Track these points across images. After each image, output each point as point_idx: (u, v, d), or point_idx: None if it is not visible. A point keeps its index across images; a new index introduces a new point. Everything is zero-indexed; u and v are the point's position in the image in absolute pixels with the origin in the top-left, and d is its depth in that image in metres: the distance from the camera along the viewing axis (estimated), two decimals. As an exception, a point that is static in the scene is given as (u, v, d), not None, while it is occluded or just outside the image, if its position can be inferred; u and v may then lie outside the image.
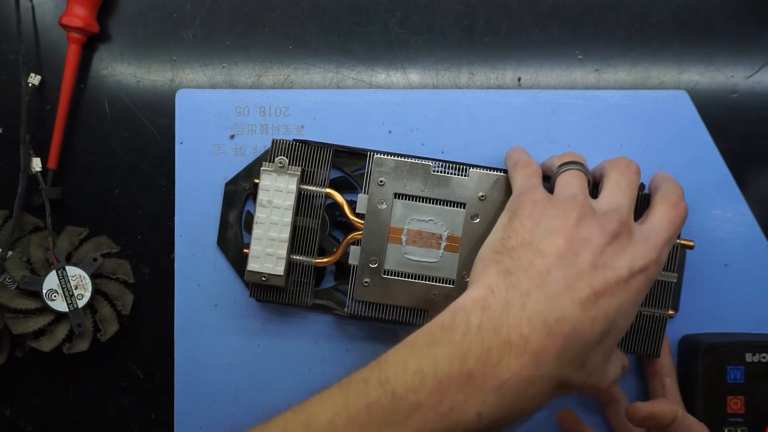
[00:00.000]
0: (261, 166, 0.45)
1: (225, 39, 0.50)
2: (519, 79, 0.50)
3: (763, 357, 0.46)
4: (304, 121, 0.49)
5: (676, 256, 0.45)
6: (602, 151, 0.48)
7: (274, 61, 0.50)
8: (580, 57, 0.49)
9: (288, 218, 0.45)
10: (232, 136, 0.49)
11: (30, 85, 0.48)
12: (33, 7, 0.49)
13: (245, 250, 0.46)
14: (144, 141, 0.49)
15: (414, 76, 0.49)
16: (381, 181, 0.45)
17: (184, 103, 0.49)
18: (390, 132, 0.49)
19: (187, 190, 0.49)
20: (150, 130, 0.50)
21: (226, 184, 0.48)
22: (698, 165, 0.48)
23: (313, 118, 0.49)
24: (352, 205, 0.46)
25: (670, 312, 0.46)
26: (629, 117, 0.48)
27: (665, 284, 0.45)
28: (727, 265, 0.48)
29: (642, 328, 0.46)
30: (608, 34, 0.49)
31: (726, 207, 0.48)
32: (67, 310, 0.47)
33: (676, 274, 0.45)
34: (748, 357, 0.46)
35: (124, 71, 0.50)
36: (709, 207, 0.48)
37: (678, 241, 0.45)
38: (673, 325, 0.48)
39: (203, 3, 0.49)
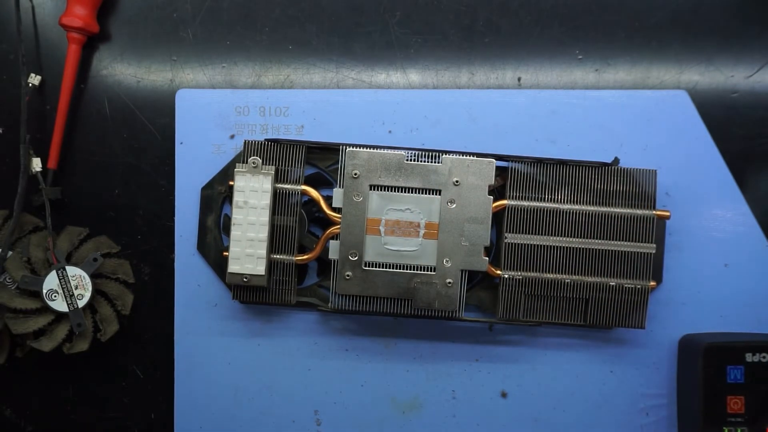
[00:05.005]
0: (234, 168, 0.46)
1: (225, 39, 0.50)
2: (519, 79, 0.50)
3: (763, 357, 0.46)
4: (304, 121, 0.49)
5: (653, 227, 0.46)
6: (602, 151, 0.48)
7: (274, 61, 0.50)
8: (580, 57, 0.49)
9: (265, 218, 0.45)
10: (232, 136, 0.49)
11: (30, 85, 0.48)
12: (33, 7, 0.49)
13: (225, 253, 0.46)
14: (144, 141, 0.49)
15: (414, 76, 0.49)
16: (355, 174, 0.45)
17: (184, 103, 0.49)
18: (390, 132, 0.49)
19: (187, 190, 0.49)
20: (150, 130, 0.50)
21: (202, 189, 0.48)
22: (698, 165, 0.48)
23: (313, 118, 0.49)
24: (329, 200, 0.46)
25: (652, 283, 0.46)
26: (629, 117, 0.48)
27: (645, 256, 0.46)
28: (727, 265, 0.48)
29: (625, 301, 0.46)
30: (608, 34, 0.49)
31: (726, 207, 0.48)
32: (67, 310, 0.47)
33: (654, 245, 0.46)
34: (748, 357, 0.46)
35: (124, 71, 0.50)
36: (709, 207, 0.48)
37: (654, 212, 0.46)
38: (674, 325, 0.49)
39: (203, 3, 0.49)
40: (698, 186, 0.48)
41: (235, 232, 0.45)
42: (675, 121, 0.48)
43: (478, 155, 0.46)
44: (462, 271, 0.46)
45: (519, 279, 0.46)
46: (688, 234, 0.48)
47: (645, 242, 0.46)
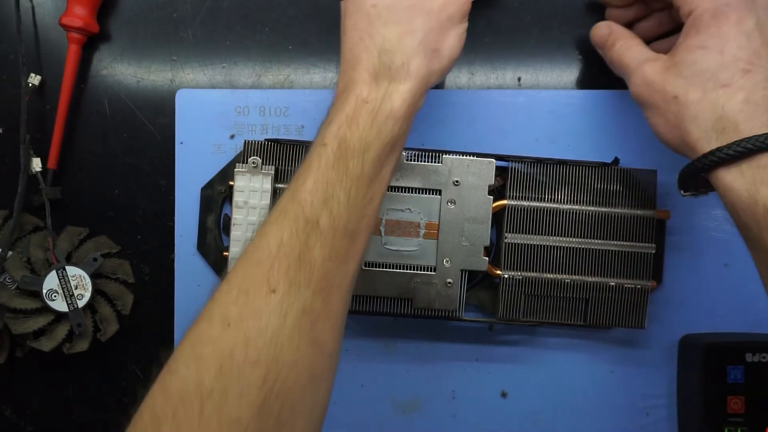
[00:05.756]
0: (234, 168, 0.46)
1: (225, 39, 0.50)
2: (519, 79, 0.50)
3: (763, 357, 0.46)
4: (304, 121, 0.49)
5: (653, 227, 0.46)
6: (602, 151, 0.48)
7: (274, 61, 0.50)
8: (579, 57, 0.49)
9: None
10: (232, 136, 0.49)
11: (30, 85, 0.48)
12: (33, 7, 0.49)
13: (225, 253, 0.46)
14: (144, 141, 0.49)
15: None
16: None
17: (184, 103, 0.49)
18: (390, 132, 0.49)
19: (187, 190, 0.49)
20: (150, 130, 0.50)
21: (202, 189, 0.48)
22: (698, 165, 0.48)
23: (313, 118, 0.49)
24: (329, 200, 0.46)
25: (652, 283, 0.46)
26: (629, 117, 0.48)
27: (644, 255, 0.46)
28: (727, 265, 0.48)
29: (625, 301, 0.46)
30: (608, 34, 0.49)
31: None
32: (67, 310, 0.47)
33: (654, 245, 0.46)
34: (748, 357, 0.46)
35: (124, 71, 0.50)
36: (709, 207, 0.48)
37: (654, 212, 0.46)
38: (674, 325, 0.49)
39: (203, 3, 0.49)
40: (698, 186, 0.48)
41: (235, 232, 0.45)
42: (675, 121, 0.48)
43: (478, 155, 0.46)
44: (462, 271, 0.46)
45: (519, 279, 0.46)
46: (688, 234, 0.48)
47: (645, 242, 0.46)
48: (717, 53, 0.37)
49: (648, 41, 0.45)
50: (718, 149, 0.36)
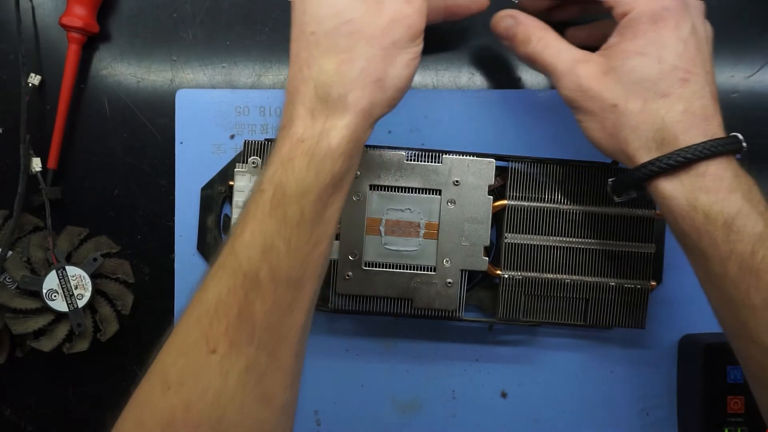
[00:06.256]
0: (234, 168, 0.46)
1: (225, 39, 0.50)
2: (519, 79, 0.49)
3: (763, 357, 0.46)
4: (304, 121, 0.49)
5: (653, 227, 0.46)
6: (602, 151, 0.48)
7: (274, 61, 0.50)
8: (580, 57, 0.49)
9: None
10: (232, 136, 0.49)
11: (30, 85, 0.48)
12: (33, 7, 0.49)
13: None
14: (144, 141, 0.49)
15: (414, 76, 0.49)
16: (355, 174, 0.45)
17: (184, 103, 0.49)
18: (390, 132, 0.49)
19: (187, 190, 0.49)
20: (150, 130, 0.50)
21: (202, 189, 0.48)
22: (698, 165, 0.48)
23: (313, 118, 0.49)
24: (328, 199, 0.46)
25: (652, 283, 0.46)
26: (629, 117, 0.48)
27: (644, 255, 0.46)
28: (727, 265, 0.48)
29: (625, 301, 0.46)
30: (608, 34, 0.49)
31: (726, 207, 0.48)
32: (67, 310, 0.47)
33: (654, 245, 0.46)
34: (748, 357, 0.46)
35: (124, 71, 0.50)
36: (709, 207, 0.48)
37: (654, 212, 0.46)
38: (674, 325, 0.49)
39: (203, 3, 0.49)
40: (698, 186, 0.48)
41: (235, 232, 0.45)
42: (675, 121, 0.48)
43: (478, 155, 0.46)
44: (462, 271, 0.46)
45: (519, 279, 0.46)
46: (688, 234, 0.48)
47: (645, 242, 0.46)
48: (656, 61, 0.36)
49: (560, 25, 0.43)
50: (658, 159, 0.36)
